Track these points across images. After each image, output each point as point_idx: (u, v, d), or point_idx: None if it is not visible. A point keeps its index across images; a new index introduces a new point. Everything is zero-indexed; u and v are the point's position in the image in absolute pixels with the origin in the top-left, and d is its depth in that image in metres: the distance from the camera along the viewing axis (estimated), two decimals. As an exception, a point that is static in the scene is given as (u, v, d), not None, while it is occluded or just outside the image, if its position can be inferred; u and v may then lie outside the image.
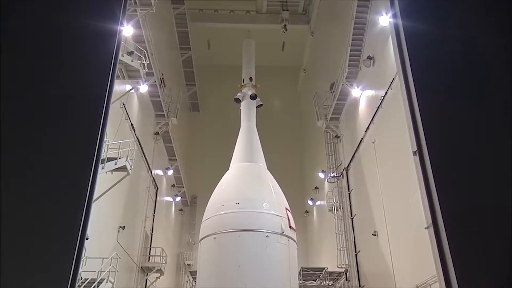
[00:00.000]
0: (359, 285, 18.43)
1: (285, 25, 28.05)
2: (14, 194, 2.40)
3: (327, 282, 19.61)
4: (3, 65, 2.65)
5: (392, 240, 14.95)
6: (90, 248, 11.70)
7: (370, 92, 18.06)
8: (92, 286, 12.20)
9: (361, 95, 19.10)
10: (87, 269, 11.98)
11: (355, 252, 19.17)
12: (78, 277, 2.41)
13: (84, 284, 12.12)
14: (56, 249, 2.27)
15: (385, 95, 15.62)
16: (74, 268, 2.24)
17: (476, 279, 2.31)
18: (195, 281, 16.20)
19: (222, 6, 29.03)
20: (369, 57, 17.53)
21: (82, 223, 2.35)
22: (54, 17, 2.83)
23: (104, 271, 12.80)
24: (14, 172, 2.45)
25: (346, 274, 19.14)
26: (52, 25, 2.83)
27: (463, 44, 2.97)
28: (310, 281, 19.67)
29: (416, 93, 2.83)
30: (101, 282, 12.53)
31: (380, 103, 16.09)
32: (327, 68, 24.29)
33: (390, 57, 14.89)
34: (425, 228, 2.67)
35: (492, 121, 2.78)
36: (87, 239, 2.50)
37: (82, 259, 2.39)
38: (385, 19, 15.50)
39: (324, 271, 19.30)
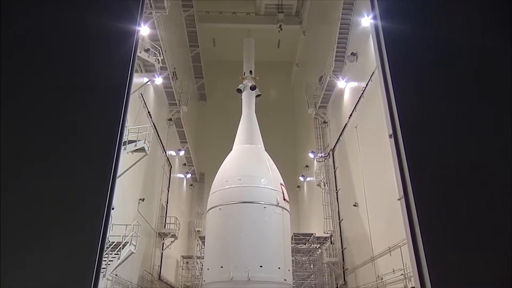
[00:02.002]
0: (342, 247, 18.69)
1: (280, 25, 27.79)
2: (54, 170, 2.42)
3: (315, 245, 19.87)
4: (41, 60, 2.64)
5: (370, 209, 15.10)
6: (116, 216, 11.81)
7: (353, 84, 17.96)
8: (118, 248, 12.38)
9: (346, 86, 18.99)
10: (114, 233, 12.13)
11: (339, 220, 19.37)
12: (106, 240, 2.45)
13: (112, 246, 12.30)
14: (88, 217, 2.31)
15: (366, 86, 15.53)
16: (103, 232, 2.28)
17: (439, 241, 2.36)
18: (204, 244, 16.42)
19: (225, 9, 28.62)
20: (352, 53, 17.39)
21: (108, 195, 2.38)
22: (83, 20, 2.80)
23: (127, 236, 12.94)
24: (53, 153, 2.47)
25: (331, 238, 19.39)
26: (81, 27, 2.80)
27: (434, 42, 2.96)
28: (301, 245, 19.92)
29: (392, 84, 2.82)
30: (125, 245, 12.69)
31: (362, 93, 16.02)
32: (316, 62, 24.08)
33: (370, 53, 14.75)
34: (398, 200, 2.70)
35: (459, 108, 2.79)
36: (113, 209, 2.53)
37: (109, 225, 2.43)
38: (366, 21, 15.30)
39: (312, 236, 19.52)
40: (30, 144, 2.46)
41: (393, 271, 12.45)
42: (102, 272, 11.35)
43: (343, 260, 18.39)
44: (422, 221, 2.38)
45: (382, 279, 13.51)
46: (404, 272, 11.65)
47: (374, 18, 3.11)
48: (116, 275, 13.28)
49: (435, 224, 2.39)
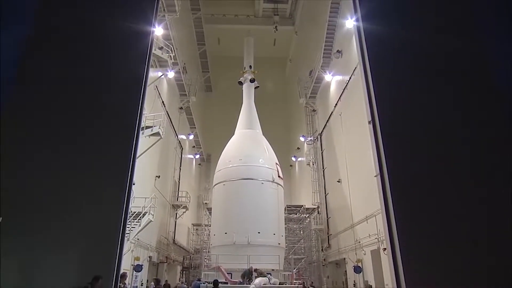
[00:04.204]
0: (327, 217, 18.96)
1: (276, 26, 27.49)
2: (86, 152, 2.45)
3: (304, 215, 20.15)
4: (73, 59, 2.62)
5: (351, 185, 15.24)
6: (136, 190, 11.90)
7: (338, 77, 17.81)
8: (139, 217, 12.54)
9: (332, 79, 18.84)
10: (135, 205, 12.27)
11: (325, 193, 19.57)
12: (129, 210, 2.50)
13: (133, 215, 12.44)
14: (114, 191, 2.34)
15: (349, 79, 15.42)
16: (126, 204, 2.33)
17: (408, 210, 2.41)
18: (211, 214, 16.66)
19: (228, 12, 28.17)
20: (338, 51, 17.18)
21: (130, 173, 2.41)
22: (107, 23, 2.77)
23: (146, 207, 13.08)
24: (85, 137, 2.49)
25: (318, 209, 19.65)
26: (105, 29, 2.77)
27: (408, 41, 2.94)
28: (292, 214, 20.21)
29: (372, 78, 2.82)
30: (145, 214, 12.84)
31: (346, 85, 15.91)
32: (307, 58, 23.81)
33: (353, 51, 14.57)
34: (374, 176, 2.74)
35: (430, 98, 2.79)
36: (134, 184, 2.57)
37: (131, 198, 2.48)
38: (350, 22, 15.06)
39: (302, 207, 19.79)
40: (68, 129, 2.48)
41: (369, 236, 12.69)
42: (126, 237, 11.53)
43: (328, 227, 18.69)
44: (394, 194, 2.43)
45: (359, 242, 13.78)
46: (378, 236, 11.87)
47: (357, 20, 3.09)
48: (138, 239, 13.50)
49: (405, 196, 2.44)
